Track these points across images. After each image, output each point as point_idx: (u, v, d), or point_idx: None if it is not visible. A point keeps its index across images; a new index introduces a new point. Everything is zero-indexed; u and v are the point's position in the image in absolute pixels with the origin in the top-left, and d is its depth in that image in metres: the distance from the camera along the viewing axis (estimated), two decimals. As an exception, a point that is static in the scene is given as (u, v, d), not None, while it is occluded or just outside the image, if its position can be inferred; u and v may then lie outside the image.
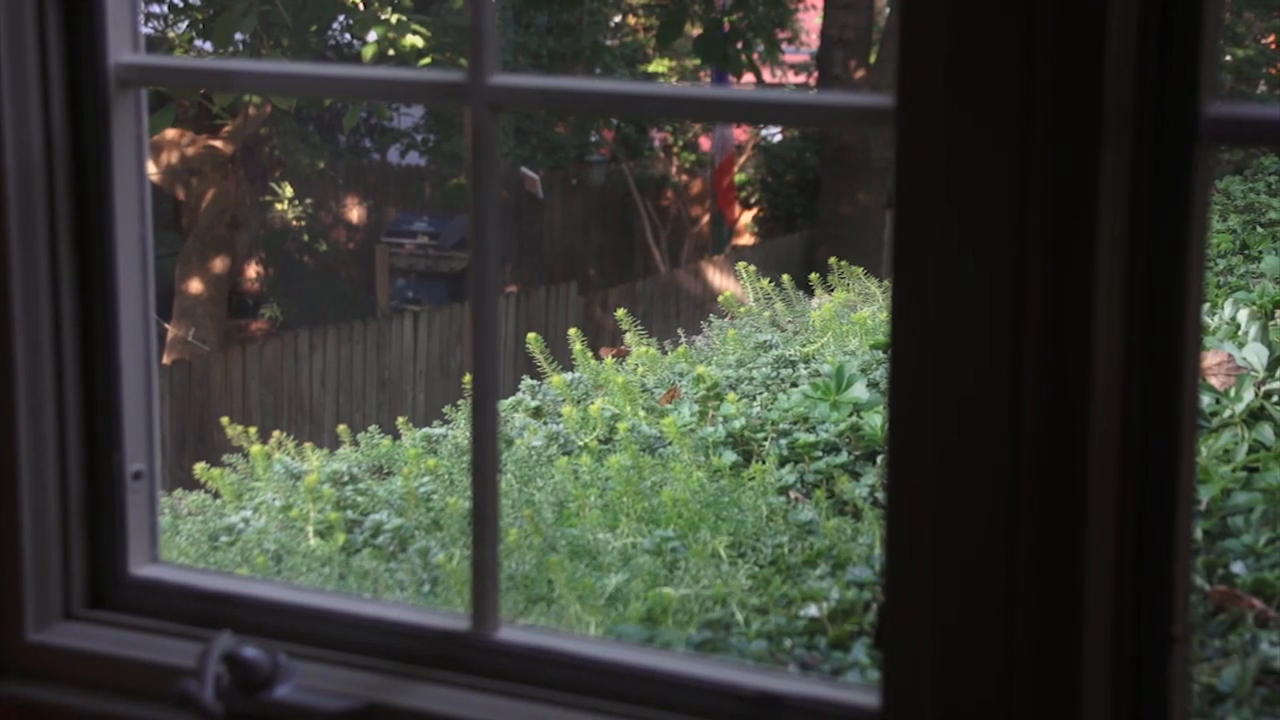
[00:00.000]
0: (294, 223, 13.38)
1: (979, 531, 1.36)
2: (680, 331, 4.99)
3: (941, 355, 1.34)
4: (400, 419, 4.16)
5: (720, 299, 4.88)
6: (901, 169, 1.36)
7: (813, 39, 14.49)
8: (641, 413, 3.85)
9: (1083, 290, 1.33)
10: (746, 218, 15.59)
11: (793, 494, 3.42)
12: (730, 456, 3.53)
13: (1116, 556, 1.40)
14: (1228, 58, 14.30)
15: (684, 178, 15.82)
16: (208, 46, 10.35)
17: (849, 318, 4.56)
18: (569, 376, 4.12)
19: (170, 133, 10.90)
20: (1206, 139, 1.35)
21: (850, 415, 3.72)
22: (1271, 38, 14.74)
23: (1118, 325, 1.36)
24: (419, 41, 9.27)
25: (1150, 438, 1.38)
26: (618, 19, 15.13)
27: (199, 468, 3.80)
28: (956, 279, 1.33)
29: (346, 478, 3.59)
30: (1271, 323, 4.39)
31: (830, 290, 5.07)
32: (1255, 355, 3.94)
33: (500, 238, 1.63)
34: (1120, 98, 1.32)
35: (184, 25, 11.08)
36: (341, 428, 4.10)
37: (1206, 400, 3.78)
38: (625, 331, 4.41)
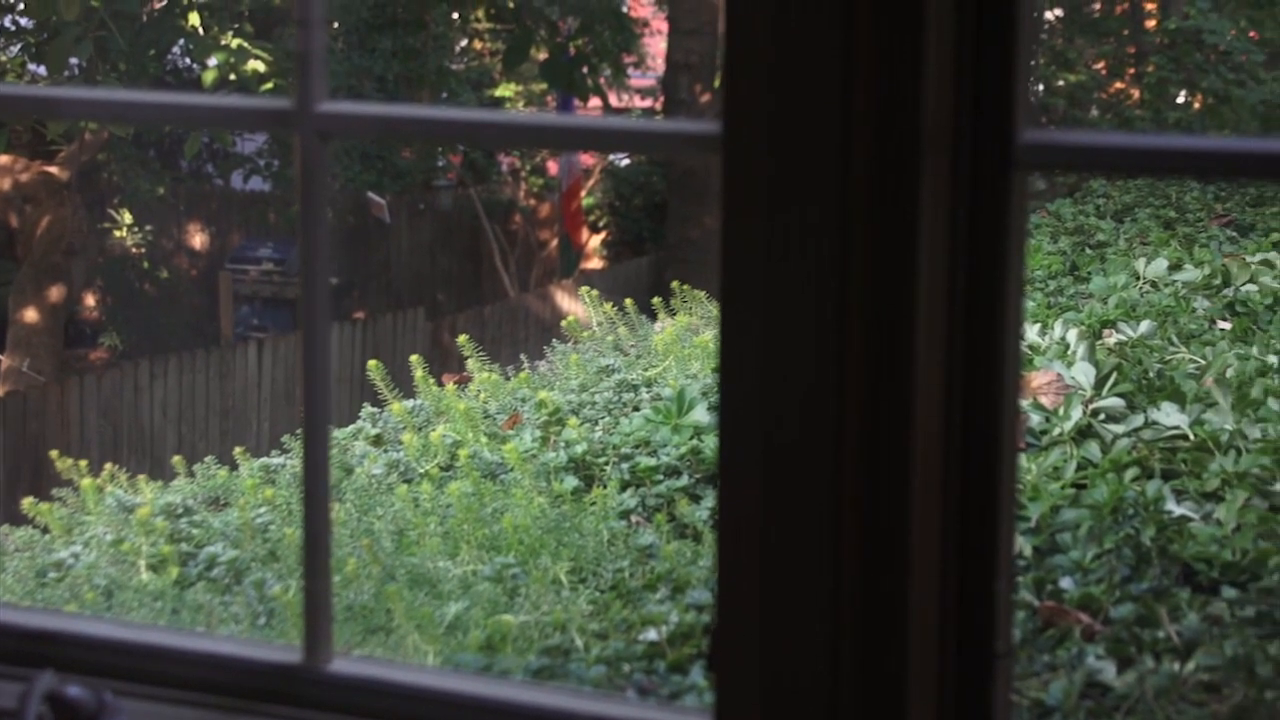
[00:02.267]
0: (134, 250, 13.15)
1: (806, 553, 1.37)
2: (524, 356, 4.98)
3: (767, 380, 1.36)
4: (238, 449, 4.11)
5: (563, 324, 4.89)
6: (727, 195, 1.37)
7: (659, 64, 14.58)
8: (483, 439, 3.83)
9: (904, 313, 1.36)
10: (595, 242, 15.63)
11: (634, 518, 3.43)
12: (572, 482, 3.53)
13: (940, 576, 1.42)
14: (1060, 83, 14.65)
15: (532, 202, 15.83)
16: (42, 71, 10.14)
17: (691, 341, 4.59)
18: (410, 403, 4.10)
19: (2, 158, 10.67)
20: (1022, 165, 1.38)
21: (691, 438, 3.75)
22: (1102, 63, 15.12)
23: (938, 348, 1.38)
24: (260, 66, 9.17)
25: (971, 457, 1.41)
26: (464, 43, 15.10)
27: (27, 502, 3.71)
28: (781, 303, 1.35)
29: (181, 510, 3.53)
30: (1099, 342, 4.50)
31: (674, 314, 5.10)
32: (1083, 374, 4.03)
33: (330, 265, 1.61)
34: (938, 125, 1.35)
35: (16, 49, 10.84)
36: (177, 459, 4.03)
37: (1036, 419, 3.87)
38: (468, 357, 4.39)
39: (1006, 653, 1.45)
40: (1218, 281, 5.29)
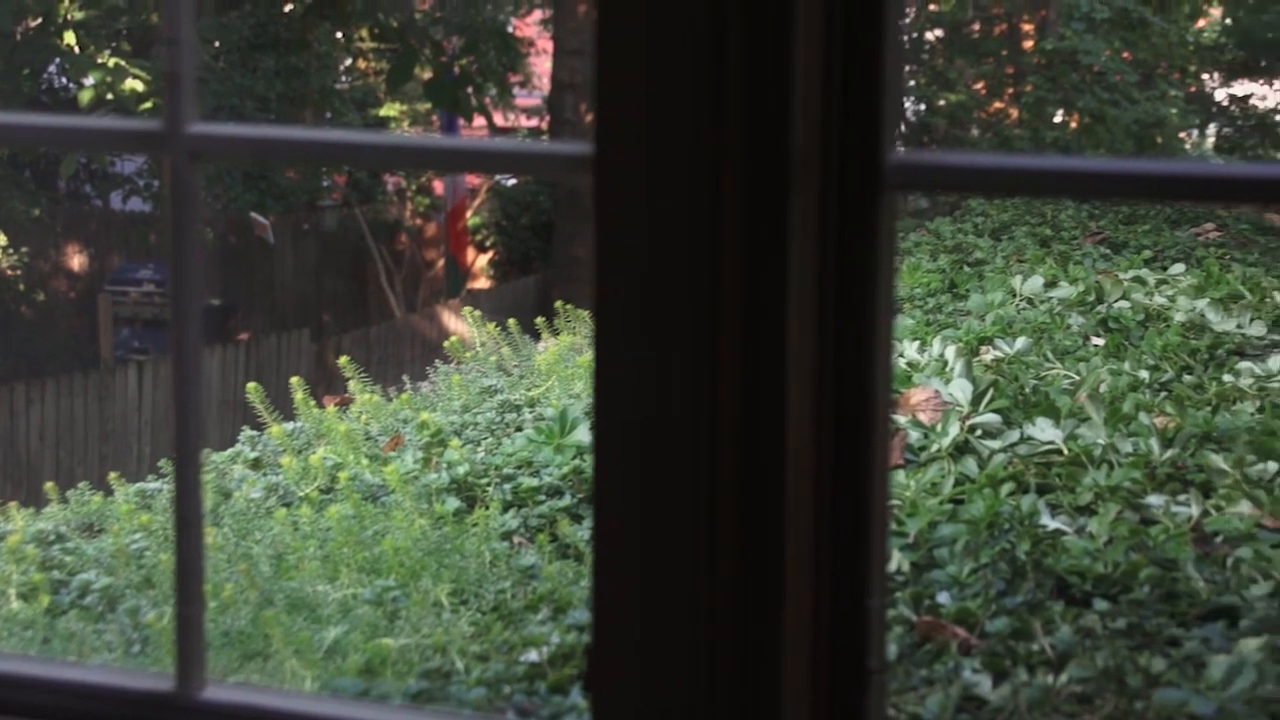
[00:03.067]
0: (8, 272, 12.92)
1: (681, 573, 1.38)
2: (406, 378, 4.96)
3: (642, 402, 1.37)
4: (113, 474, 4.04)
5: (446, 344, 4.87)
6: (600, 217, 1.38)
7: (545, 83, 14.60)
8: (364, 461, 3.81)
9: (776, 333, 1.37)
10: (482, 261, 15.60)
11: (516, 539, 3.42)
12: (454, 503, 3.52)
13: (814, 594, 1.44)
14: (941, 102, 14.85)
15: (418, 221, 15.76)
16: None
17: (574, 361, 4.59)
18: (290, 426, 4.06)
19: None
20: (891, 185, 1.40)
21: (574, 458, 3.75)
22: (982, 83, 15.35)
23: (810, 366, 1.40)
24: (139, 85, 9.06)
25: (844, 475, 1.42)
26: (348, 62, 15.01)
27: (-110, 534, 3.64)
28: (654, 325, 1.36)
29: (53, 537, 3.47)
30: (977, 359, 4.56)
31: (557, 333, 5.10)
32: (960, 391, 4.08)
33: (202, 287, 1.60)
34: (808, 146, 1.37)
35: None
36: (49, 485, 3.96)
37: (915, 435, 3.91)
38: (350, 379, 4.36)
39: (881, 669, 1.47)
40: (1091, 298, 5.39)
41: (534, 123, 16.12)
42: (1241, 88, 15.82)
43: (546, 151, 1.60)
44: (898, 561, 3.20)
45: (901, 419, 4.02)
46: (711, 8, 1.32)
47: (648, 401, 1.38)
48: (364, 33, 13.72)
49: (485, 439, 4.03)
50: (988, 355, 4.64)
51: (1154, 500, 3.49)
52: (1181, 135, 15.48)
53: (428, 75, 10.37)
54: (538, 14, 15.60)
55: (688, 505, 1.38)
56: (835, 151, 1.39)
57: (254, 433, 4.16)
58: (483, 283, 15.32)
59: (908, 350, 4.64)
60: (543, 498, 3.63)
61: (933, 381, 4.23)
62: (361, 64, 15.01)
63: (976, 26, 15.26)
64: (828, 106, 1.38)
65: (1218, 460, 3.67)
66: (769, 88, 1.34)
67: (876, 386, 1.42)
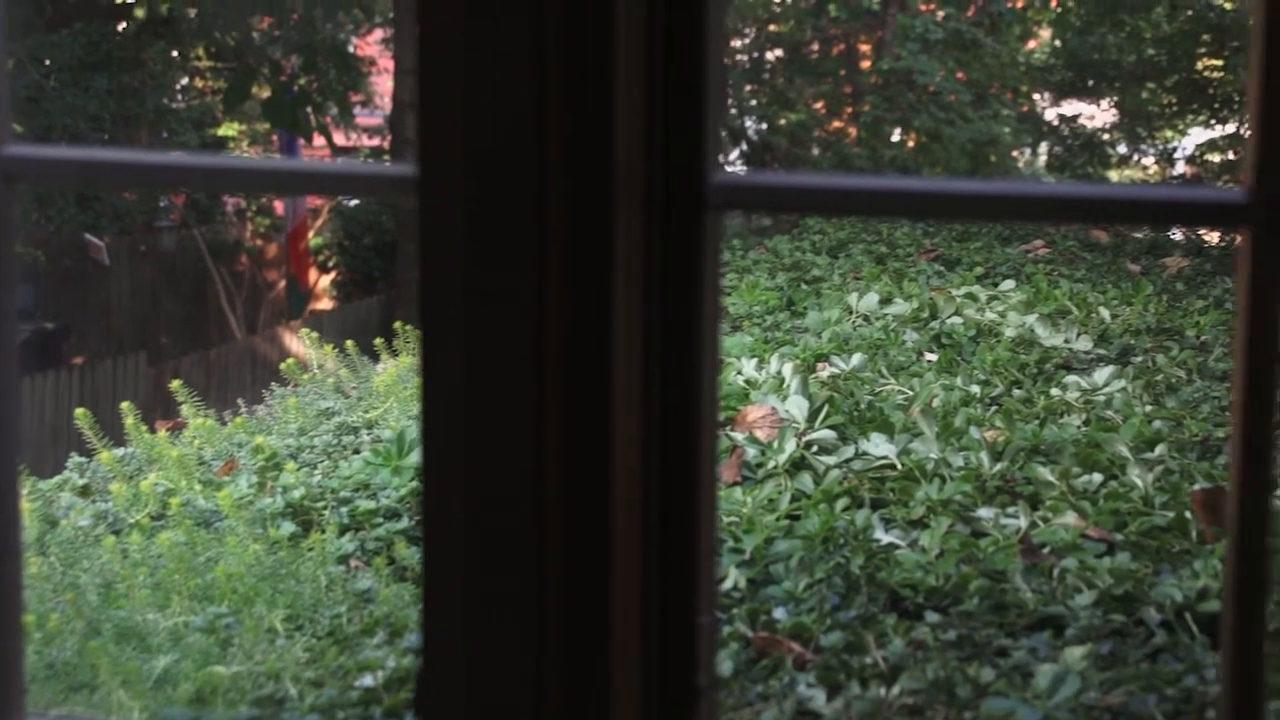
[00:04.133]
0: None
1: (509, 594, 1.38)
2: (241, 401, 4.89)
3: (470, 425, 1.37)
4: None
5: (283, 367, 4.81)
6: (424, 237, 1.38)
7: (387, 102, 14.50)
8: (197, 486, 3.75)
9: (601, 354, 1.38)
10: (325, 281, 15.44)
11: (353, 562, 3.39)
12: (289, 527, 3.48)
13: (642, 613, 1.44)
14: (782, 121, 15.02)
15: (259, 242, 15.55)
16: None
17: (413, 382, 4.56)
18: (121, 452, 3.98)
19: None
20: (714, 205, 1.42)
21: (412, 480, 3.72)
22: (821, 103, 15.55)
23: (636, 386, 1.41)
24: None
25: (672, 494, 1.43)
26: (184, 81, 14.78)
27: None
28: (480, 347, 1.36)
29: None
30: (813, 375, 4.61)
31: (397, 354, 5.06)
32: (797, 407, 4.13)
33: (15, 313, 1.57)
34: (631, 168, 1.38)
35: None
36: None
37: (752, 452, 3.95)
38: (182, 403, 4.29)
39: (711, 686, 1.48)
40: (925, 315, 5.48)
41: (376, 142, 15.99)
42: (1070, 107, 16.21)
43: (372, 173, 1.59)
44: (734, 578, 3.23)
45: (739, 436, 4.05)
46: (532, 32, 1.32)
47: (474, 422, 1.38)
48: (200, 51, 13.53)
49: (322, 462, 3.99)
50: (824, 372, 4.70)
51: (984, 513, 3.56)
52: (1014, 153, 15.82)
53: (266, 94, 10.24)
54: (379, 33, 15.50)
55: (515, 525, 1.39)
56: (659, 172, 1.41)
57: (83, 459, 4.07)
58: (325, 304, 15.16)
59: (746, 368, 4.68)
60: (380, 520, 3.60)
61: (770, 399, 4.27)
62: (199, 83, 14.79)
63: (815, 47, 15.47)
64: (650, 129, 1.40)
65: (1045, 473, 3.75)
66: (591, 110, 1.35)
67: (703, 404, 1.44)
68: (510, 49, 1.34)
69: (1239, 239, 1.40)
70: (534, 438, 1.38)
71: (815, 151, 15.08)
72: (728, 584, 3.22)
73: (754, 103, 15.38)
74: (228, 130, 14.92)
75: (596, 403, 1.39)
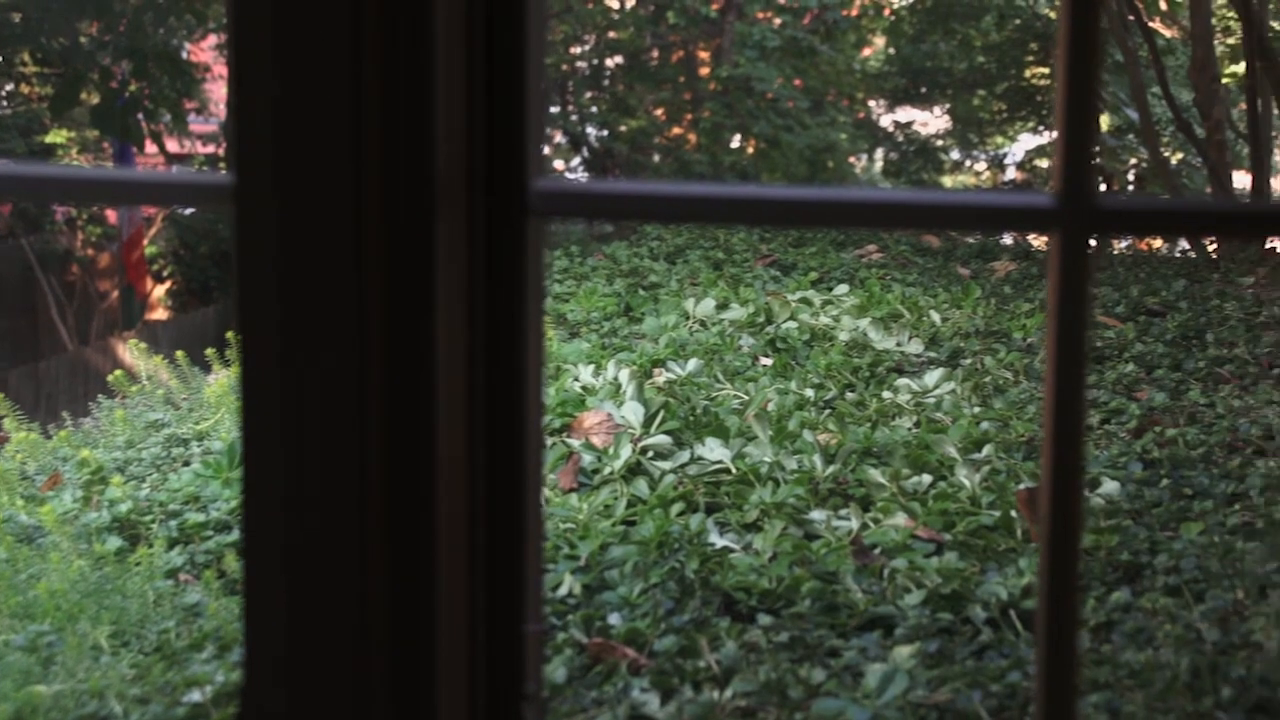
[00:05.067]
0: None
1: (330, 603, 1.37)
2: (66, 414, 4.78)
3: (288, 432, 1.35)
4: None
5: (110, 378, 4.71)
6: (241, 246, 1.36)
7: (221, 109, 14.28)
8: (20, 501, 3.65)
9: (424, 360, 1.37)
10: (159, 291, 15.16)
11: (182, 576, 3.33)
12: (115, 542, 3.41)
13: (469, 620, 1.44)
14: (623, 128, 15.06)
15: (90, 252, 15.23)
16: None
17: (245, 392, 4.48)
18: (-63, 468, 3.87)
19: None
20: (536, 212, 1.42)
21: (243, 492, 3.66)
22: (661, 109, 15.61)
23: (460, 393, 1.40)
24: None
25: (498, 502, 1.43)
26: (9, 87, 14.43)
27: None
28: (299, 357, 1.34)
29: None
30: (649, 381, 4.63)
31: (229, 365, 4.99)
32: (633, 413, 4.14)
33: None
34: (452, 175, 1.37)
35: None
36: None
37: (589, 458, 3.95)
38: (3, 416, 4.18)
39: (538, 693, 1.47)
40: (761, 319, 5.53)
41: (211, 149, 15.75)
42: (905, 114, 16.48)
43: (192, 182, 1.56)
44: (569, 585, 3.23)
45: (575, 443, 4.05)
46: (348, 37, 1.31)
47: (294, 433, 1.36)
48: (26, 56, 13.21)
49: (150, 475, 3.91)
50: (660, 378, 4.71)
51: (817, 515, 3.60)
52: (852, 159, 16.05)
53: (95, 101, 10.03)
54: (213, 38, 15.28)
55: (336, 535, 1.37)
56: (481, 180, 1.40)
57: (-101, 477, 3.95)
58: (161, 313, 14.89)
59: (583, 374, 4.69)
60: (210, 533, 3.54)
61: (606, 405, 4.28)
62: (25, 89, 14.44)
63: (655, 54, 15.53)
64: (471, 135, 1.39)
65: (876, 474, 3.80)
66: (410, 116, 1.34)
67: (528, 411, 1.43)
68: (322, 54, 1.32)
69: (1049, 242, 1.43)
70: (356, 447, 1.37)
71: (656, 158, 15.14)
72: (563, 591, 3.22)
73: (595, 109, 15.40)
74: (55, 137, 14.58)
75: (420, 412, 1.38)
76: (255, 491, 1.37)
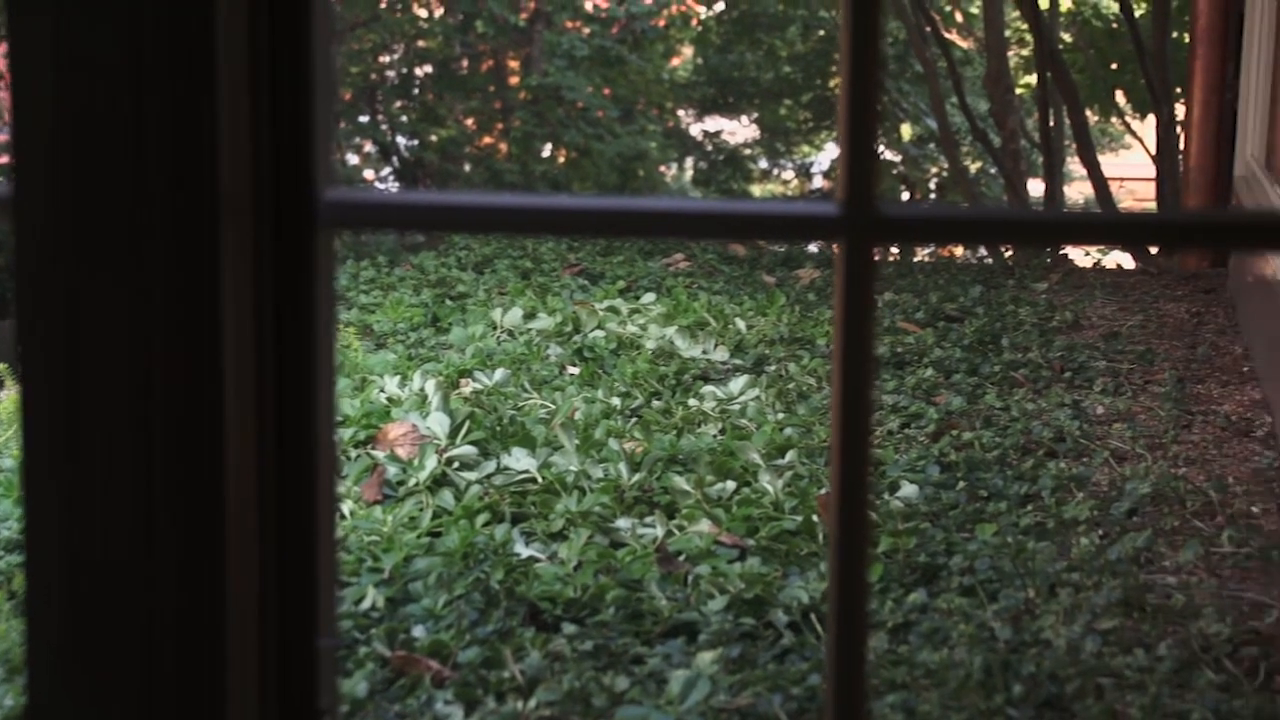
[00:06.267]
0: None
1: (116, 624, 1.34)
2: None
3: (72, 451, 1.32)
4: None
5: (-105, 396, 4.54)
6: (20, 259, 1.33)
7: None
8: None
9: (211, 374, 1.34)
10: (-47, 304, 14.71)
11: (-30, 599, 3.22)
12: (-101, 565, 3.29)
13: (260, 635, 1.42)
14: (433, 137, 14.98)
15: (-121, 264, 14.72)
16: None
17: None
18: None
19: None
20: (325, 223, 1.40)
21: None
22: (472, 119, 15.57)
23: (249, 408, 1.38)
24: None
25: (289, 516, 1.41)
26: None
27: None
28: (80, 370, 1.31)
29: None
30: (456, 391, 4.61)
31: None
32: (438, 424, 4.12)
33: None
34: (237, 186, 1.35)
35: None
36: None
37: (393, 470, 3.92)
38: None
39: (331, 709, 1.46)
40: (569, 329, 5.53)
41: (4, 160, 15.33)
42: (714, 123, 16.65)
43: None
44: (373, 598, 3.20)
45: (380, 454, 4.02)
46: (130, 48, 1.29)
47: (75, 452, 1.33)
48: None
49: (-63, 495, 3.78)
50: (467, 388, 4.69)
51: (622, 523, 3.62)
52: (662, 168, 16.15)
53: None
54: (1, 45, 14.87)
55: (121, 552, 1.34)
56: (267, 191, 1.38)
57: None
58: (-45, 327, 14.44)
59: (388, 385, 4.65)
60: (1, 553, 3.44)
61: (412, 416, 4.25)
62: None
63: (464, 63, 15.48)
64: (257, 146, 1.37)
65: (681, 482, 3.83)
66: (193, 129, 1.32)
67: (319, 424, 1.41)
68: (102, 62, 1.30)
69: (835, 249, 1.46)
70: (141, 463, 1.34)
71: (467, 168, 15.09)
72: (366, 604, 3.19)
73: (404, 119, 15.30)
74: None
75: (207, 425, 1.36)
76: (36, 510, 1.34)
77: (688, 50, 16.46)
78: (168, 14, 1.31)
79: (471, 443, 4.07)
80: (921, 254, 8.66)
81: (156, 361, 1.33)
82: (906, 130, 15.40)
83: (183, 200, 1.33)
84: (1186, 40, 7.79)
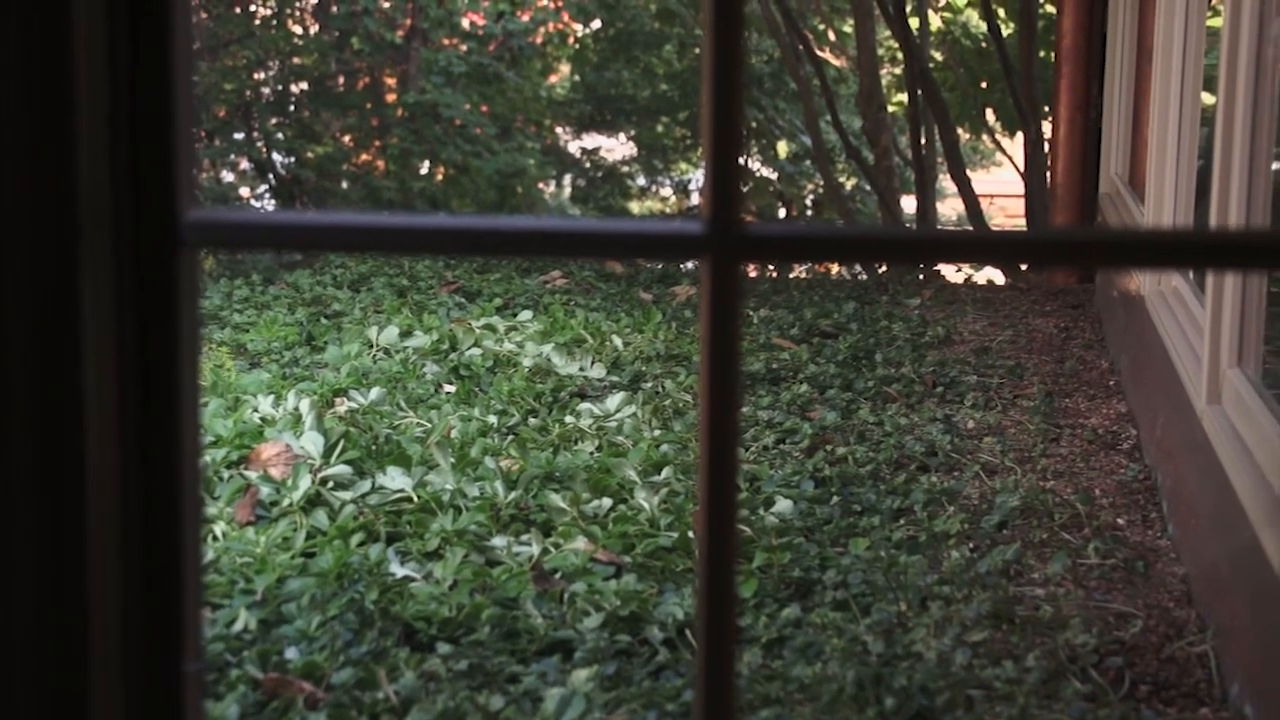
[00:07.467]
0: None
1: None
2: None
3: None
4: None
5: None
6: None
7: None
8: None
9: (71, 399, 1.32)
10: None
11: None
12: None
13: (123, 665, 1.39)
14: (310, 154, 14.86)
15: None
16: None
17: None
18: None
19: None
20: (188, 243, 1.39)
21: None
22: (349, 136, 15.47)
23: (111, 432, 1.36)
24: None
25: (154, 541, 1.39)
26: None
27: None
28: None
29: None
30: (331, 410, 4.57)
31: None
32: (312, 443, 4.09)
33: None
34: (96, 206, 1.33)
35: None
36: None
37: (266, 490, 3.88)
38: None
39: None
40: (445, 346, 5.51)
41: None
42: (591, 140, 16.69)
43: None
44: (245, 620, 3.16)
45: (253, 475, 3.98)
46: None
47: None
48: None
49: None
50: (342, 407, 4.66)
51: (498, 542, 3.61)
52: (541, 185, 16.15)
53: None
54: None
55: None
56: (127, 211, 1.37)
57: None
58: None
59: (262, 405, 4.60)
60: None
61: (285, 435, 4.21)
62: None
63: (340, 80, 15.38)
64: (115, 165, 1.36)
65: (557, 499, 3.83)
66: (50, 149, 1.30)
67: (184, 446, 1.40)
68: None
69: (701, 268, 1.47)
70: None
71: (345, 185, 14.98)
72: (238, 626, 3.15)
73: (280, 136, 15.16)
74: None
75: (69, 450, 1.34)
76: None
77: (565, 68, 16.49)
78: (21, 33, 1.29)
79: (346, 462, 4.04)
80: (798, 270, 8.73)
81: (14, 384, 1.32)
82: (783, 147, 15.54)
83: (40, 219, 1.31)
84: (1053, 59, 7.94)
